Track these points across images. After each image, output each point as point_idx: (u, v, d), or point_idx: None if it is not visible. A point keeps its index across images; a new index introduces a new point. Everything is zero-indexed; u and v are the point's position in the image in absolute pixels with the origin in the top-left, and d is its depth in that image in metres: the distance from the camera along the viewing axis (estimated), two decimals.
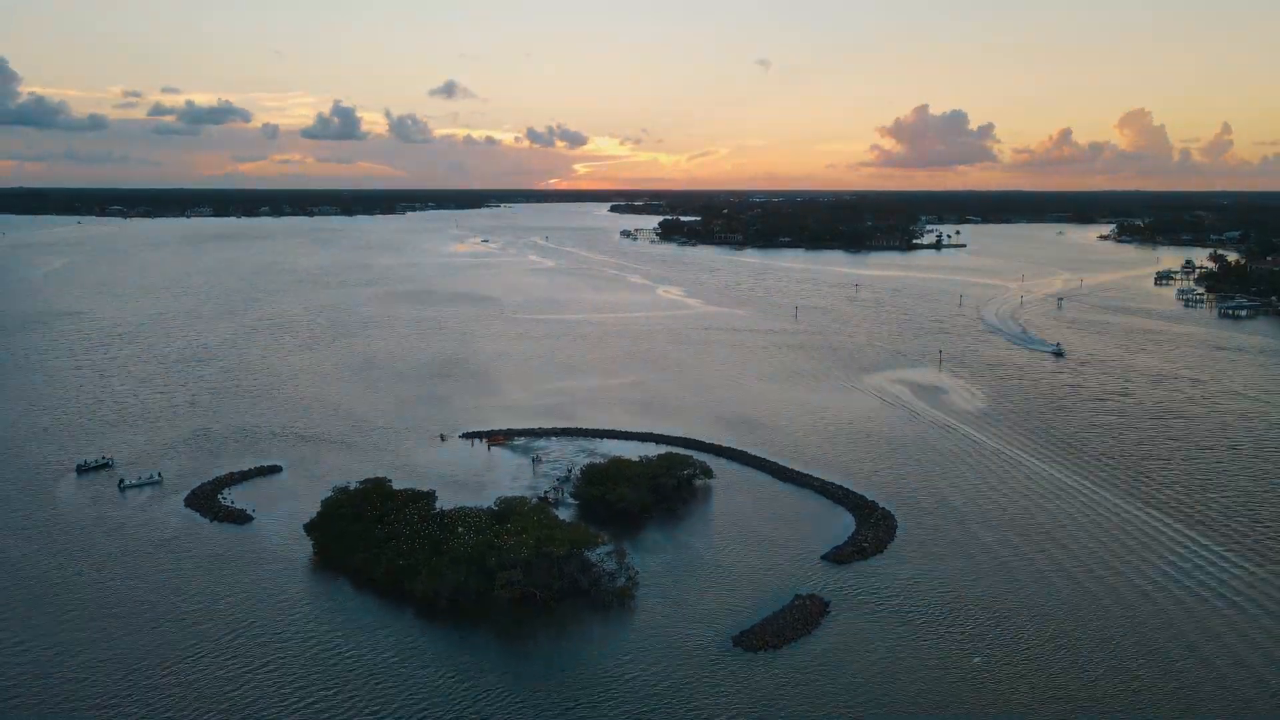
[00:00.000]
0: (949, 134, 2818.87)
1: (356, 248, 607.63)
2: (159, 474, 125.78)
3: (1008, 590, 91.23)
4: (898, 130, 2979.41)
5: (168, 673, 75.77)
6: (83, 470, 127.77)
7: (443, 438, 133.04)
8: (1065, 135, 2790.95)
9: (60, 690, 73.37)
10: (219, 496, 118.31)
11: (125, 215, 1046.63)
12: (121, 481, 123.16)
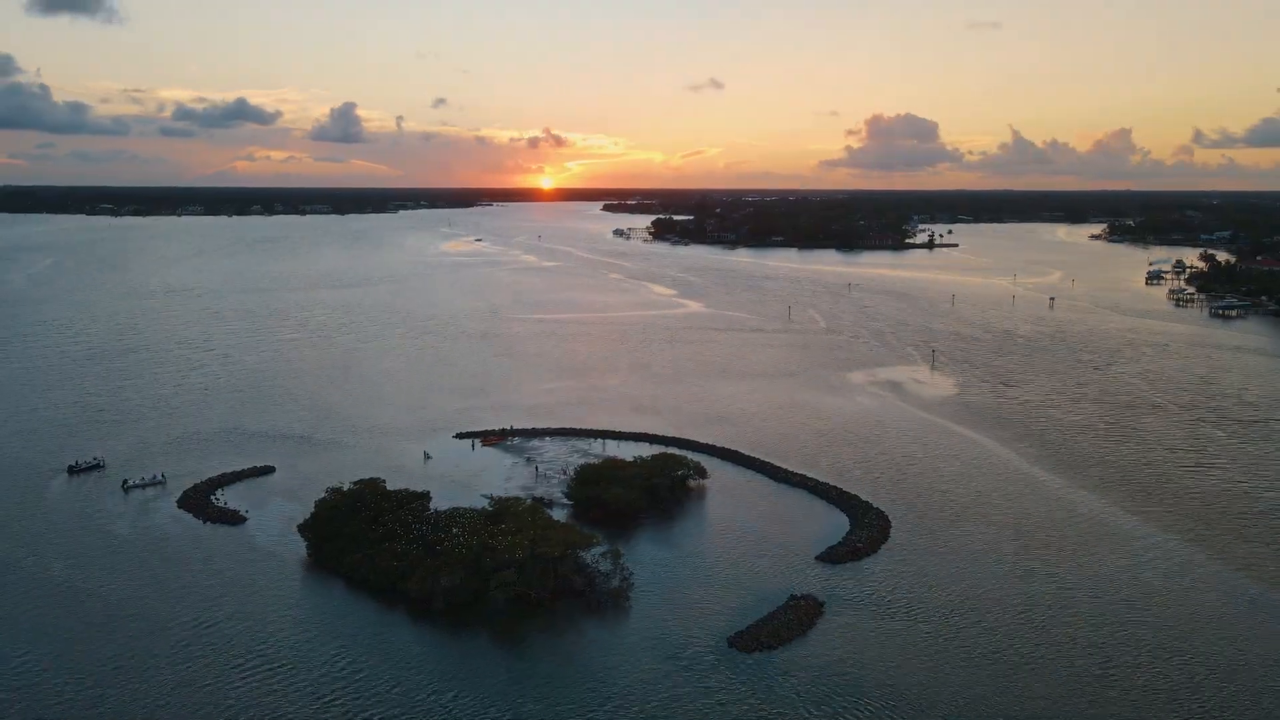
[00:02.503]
0: (913, 136, 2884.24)
1: (345, 249, 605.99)
2: (162, 474, 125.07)
3: (1001, 590, 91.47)
4: (866, 133, 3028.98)
5: (158, 675, 75.44)
6: (74, 471, 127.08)
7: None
8: (1016, 136, 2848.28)
9: (48, 694, 72.99)
10: (212, 497, 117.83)
11: (115, 214, 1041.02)
12: (125, 482, 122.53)
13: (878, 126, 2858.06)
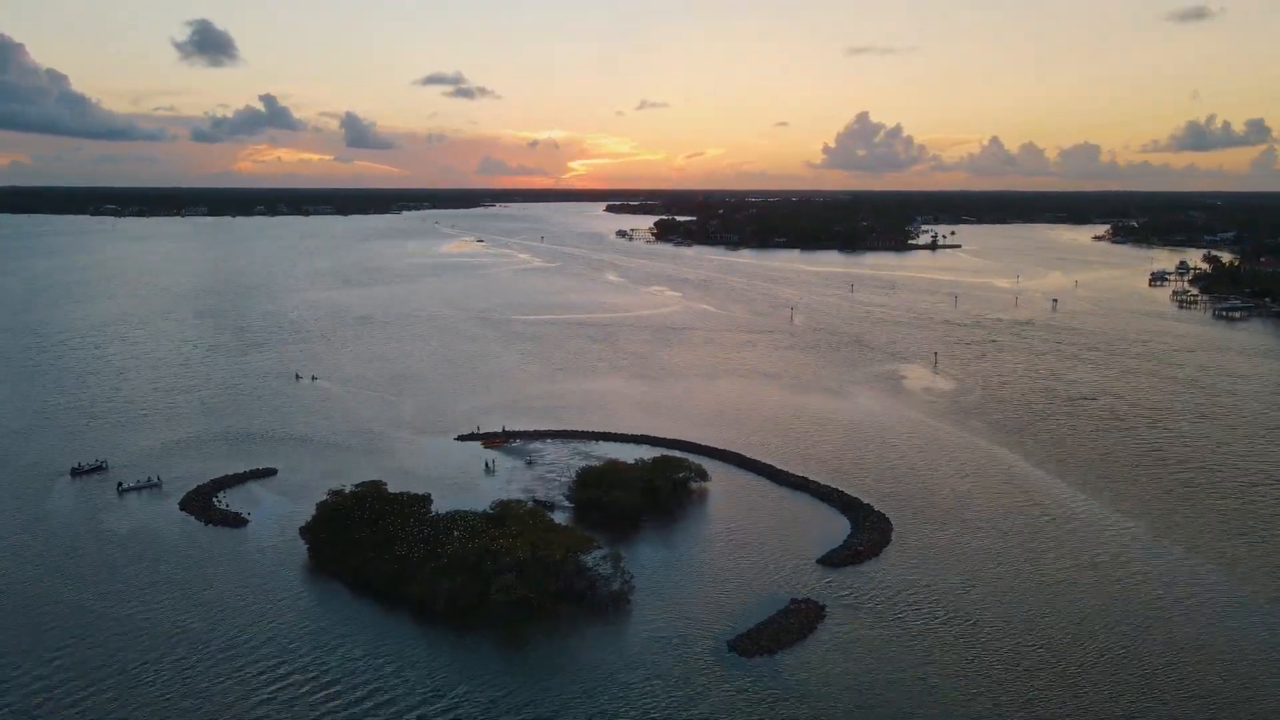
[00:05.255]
0: (890, 138, 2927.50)
1: (341, 249, 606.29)
2: (157, 477, 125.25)
3: (1004, 594, 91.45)
4: (844, 137, 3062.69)
5: (157, 679, 75.59)
6: (77, 473, 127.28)
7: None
8: (986, 140, 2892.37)
9: (46, 700, 73.12)
10: (214, 499, 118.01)
11: (118, 214, 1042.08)
12: (120, 485, 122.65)
13: (849, 129, 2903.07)
